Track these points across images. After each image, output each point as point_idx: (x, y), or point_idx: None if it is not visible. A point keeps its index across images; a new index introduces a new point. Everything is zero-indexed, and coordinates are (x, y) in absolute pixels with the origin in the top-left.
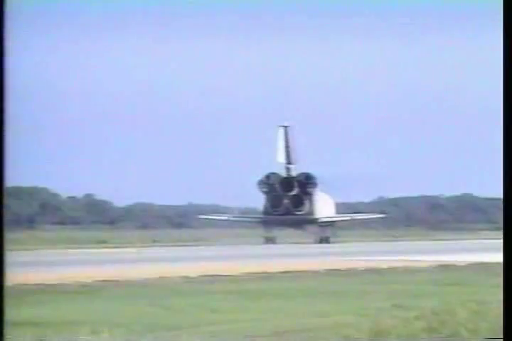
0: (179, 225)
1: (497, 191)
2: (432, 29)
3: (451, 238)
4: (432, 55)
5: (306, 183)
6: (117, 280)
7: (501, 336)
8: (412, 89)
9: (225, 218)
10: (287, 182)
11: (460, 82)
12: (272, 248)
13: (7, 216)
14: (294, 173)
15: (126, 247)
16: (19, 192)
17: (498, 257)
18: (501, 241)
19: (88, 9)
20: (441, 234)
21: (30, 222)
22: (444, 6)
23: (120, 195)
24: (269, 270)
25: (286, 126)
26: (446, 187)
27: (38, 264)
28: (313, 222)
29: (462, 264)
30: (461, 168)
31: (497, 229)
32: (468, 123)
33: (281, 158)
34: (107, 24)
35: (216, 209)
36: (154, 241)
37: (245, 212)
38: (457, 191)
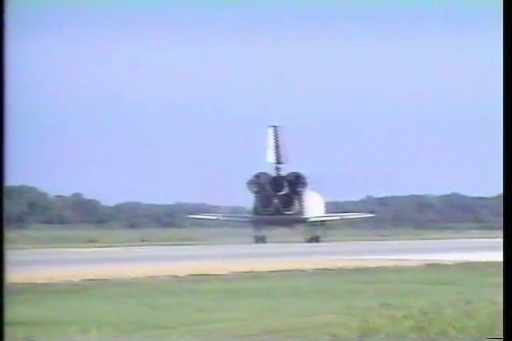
0: (168, 224)
1: (485, 190)
2: (430, 29)
3: (440, 237)
4: (423, 54)
5: (295, 183)
6: (106, 279)
7: (490, 335)
8: (401, 88)
9: (215, 217)
10: (277, 182)
11: (452, 82)
12: (261, 247)
13: None
14: (283, 173)
15: (114, 246)
16: (7, 191)
17: (486, 256)
18: (489, 240)
19: (88, 10)
20: (429, 233)
21: (18, 221)
22: (443, 7)
23: (108, 194)
24: (258, 269)
25: (276, 126)
26: (435, 186)
27: (26, 263)
28: (303, 221)
29: (450, 263)
30: (449, 167)
31: (485, 228)
32: (457, 123)
33: (271, 157)
34: (106, 25)
35: (205, 209)
36: (143, 241)
37: (234, 211)
38: (445, 190)
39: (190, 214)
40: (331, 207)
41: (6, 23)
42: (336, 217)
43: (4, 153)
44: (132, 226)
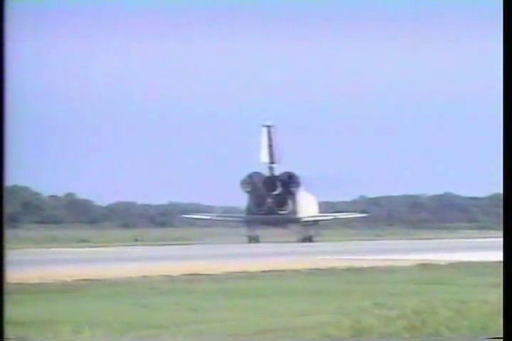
0: (162, 224)
1: (478, 190)
2: (428, 28)
3: (433, 237)
4: (418, 53)
5: (289, 183)
6: (99, 279)
7: (483, 334)
8: (394, 89)
9: (208, 217)
10: (270, 182)
11: (447, 82)
12: (255, 247)
13: None
14: (277, 173)
15: (107, 246)
16: None
17: (479, 256)
18: (482, 239)
19: (88, 9)
20: (422, 233)
21: (11, 221)
22: (442, 7)
23: (102, 194)
24: (251, 269)
25: (269, 126)
26: (428, 186)
27: (19, 263)
28: (297, 221)
29: (443, 263)
30: (442, 167)
31: (478, 227)
32: (451, 124)
33: (264, 157)
34: (105, 24)
35: (198, 208)
36: (136, 240)
37: (228, 211)
38: (438, 190)
39: (184, 214)
40: (324, 206)
41: (6, 23)
42: (329, 216)
43: (4, 154)
44: (126, 226)
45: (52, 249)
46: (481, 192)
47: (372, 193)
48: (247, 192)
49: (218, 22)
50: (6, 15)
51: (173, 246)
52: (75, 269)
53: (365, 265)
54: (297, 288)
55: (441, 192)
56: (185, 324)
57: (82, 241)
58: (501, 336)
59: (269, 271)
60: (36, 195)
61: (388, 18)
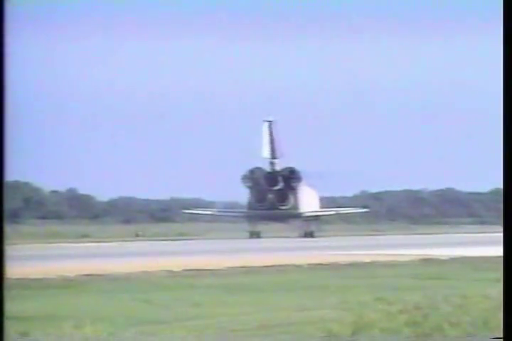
0: (163, 219)
1: (479, 185)
2: (429, 27)
3: (434, 232)
4: (420, 50)
5: (290, 178)
6: (101, 275)
7: (484, 329)
8: (395, 84)
9: (210, 213)
10: (271, 177)
11: (449, 78)
12: (256, 242)
13: None
14: (278, 168)
15: (109, 241)
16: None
17: (481, 251)
18: (483, 234)
19: (87, 9)
20: (424, 228)
21: (12, 217)
22: (443, 7)
23: (103, 189)
24: (253, 264)
25: (270, 121)
26: (429, 181)
27: (21, 259)
28: (298, 216)
29: (445, 258)
30: (444, 162)
31: (479, 223)
32: (453, 119)
33: (265, 152)
34: (104, 24)
35: (199, 204)
36: (137, 236)
37: (229, 206)
38: (440, 185)
39: (185, 209)
40: (326, 202)
41: (6, 23)
42: (331, 212)
43: (4, 150)
44: (127, 221)
45: (54, 244)
46: (483, 188)
47: (373, 188)
48: (249, 187)
49: (223, 19)
50: (6, 15)
51: (174, 242)
52: (76, 264)
53: (367, 260)
54: (299, 283)
55: (442, 187)
56: (187, 319)
57: (84, 237)
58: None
59: (270, 266)
60: (37, 190)
61: (387, 15)
